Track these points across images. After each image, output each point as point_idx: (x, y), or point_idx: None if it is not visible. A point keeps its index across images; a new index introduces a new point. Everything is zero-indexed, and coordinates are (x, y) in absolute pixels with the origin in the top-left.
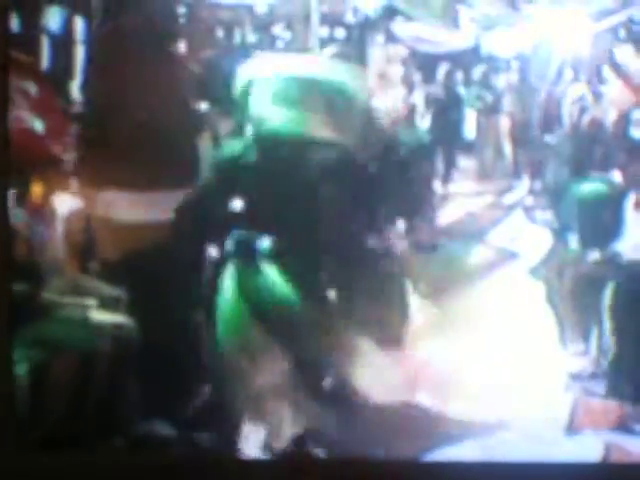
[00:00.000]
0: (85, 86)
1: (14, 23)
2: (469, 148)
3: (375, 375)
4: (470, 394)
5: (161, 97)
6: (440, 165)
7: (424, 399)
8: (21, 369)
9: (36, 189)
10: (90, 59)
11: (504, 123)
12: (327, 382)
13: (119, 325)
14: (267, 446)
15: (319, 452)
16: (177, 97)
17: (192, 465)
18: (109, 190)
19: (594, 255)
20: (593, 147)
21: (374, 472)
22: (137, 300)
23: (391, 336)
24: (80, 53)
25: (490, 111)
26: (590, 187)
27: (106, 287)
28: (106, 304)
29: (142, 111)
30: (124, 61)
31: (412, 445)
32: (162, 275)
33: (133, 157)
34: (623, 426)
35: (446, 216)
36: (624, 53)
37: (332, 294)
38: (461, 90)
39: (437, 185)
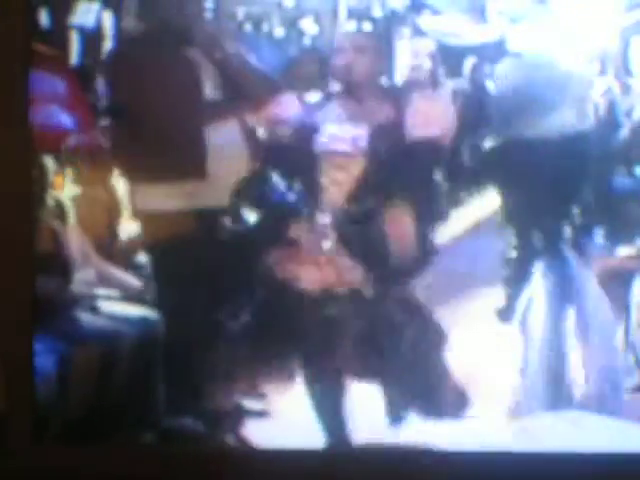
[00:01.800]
0: (112, 81)
1: (43, 18)
2: None
3: None
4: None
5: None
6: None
7: None
8: (46, 362)
9: (59, 182)
10: (118, 55)
11: None
12: None
13: (144, 317)
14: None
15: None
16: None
17: (220, 459)
18: (136, 180)
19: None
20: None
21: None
22: (163, 293)
23: None
24: (109, 48)
25: None
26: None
27: (131, 279)
28: (131, 296)
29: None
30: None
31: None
32: (190, 267)
33: (160, 147)
34: None
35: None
36: None
37: None
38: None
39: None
